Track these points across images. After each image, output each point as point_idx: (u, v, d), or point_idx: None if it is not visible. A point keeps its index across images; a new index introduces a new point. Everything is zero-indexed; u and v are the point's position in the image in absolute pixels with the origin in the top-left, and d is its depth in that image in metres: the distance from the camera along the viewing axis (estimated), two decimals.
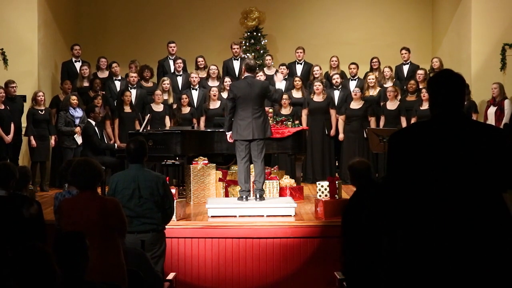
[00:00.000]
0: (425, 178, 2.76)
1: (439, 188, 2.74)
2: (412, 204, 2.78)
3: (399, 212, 2.82)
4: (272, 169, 8.61)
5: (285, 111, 9.74)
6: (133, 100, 9.89)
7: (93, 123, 8.81)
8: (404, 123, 9.68)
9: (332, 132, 9.92)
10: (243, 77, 7.65)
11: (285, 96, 9.80)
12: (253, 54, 11.67)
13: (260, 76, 9.47)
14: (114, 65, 10.36)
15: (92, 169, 4.09)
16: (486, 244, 2.70)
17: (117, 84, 10.32)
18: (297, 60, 10.84)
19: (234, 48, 10.78)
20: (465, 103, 10.14)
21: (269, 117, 7.92)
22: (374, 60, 10.68)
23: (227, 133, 7.43)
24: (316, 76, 10.33)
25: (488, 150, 2.75)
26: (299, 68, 10.79)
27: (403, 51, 10.72)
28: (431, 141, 2.79)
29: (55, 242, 3.23)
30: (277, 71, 9.15)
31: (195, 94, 10.21)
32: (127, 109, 9.75)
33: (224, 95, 9.89)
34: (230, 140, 7.42)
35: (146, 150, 5.16)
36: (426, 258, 2.73)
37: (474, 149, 2.75)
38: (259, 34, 12.00)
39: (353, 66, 10.45)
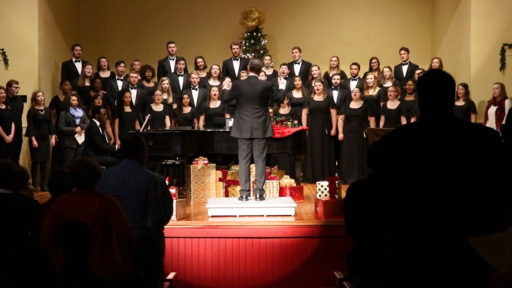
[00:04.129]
0: (414, 179, 2.75)
1: (427, 189, 2.72)
2: (401, 205, 2.77)
3: (390, 212, 2.82)
4: (272, 169, 8.63)
5: (284, 111, 9.76)
6: (134, 100, 9.91)
7: (98, 123, 8.84)
8: (404, 123, 9.69)
9: (333, 131, 9.94)
10: (247, 77, 7.68)
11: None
12: (253, 54, 11.68)
13: (261, 76, 9.48)
14: (121, 64, 10.35)
15: (90, 169, 4.11)
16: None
17: (119, 83, 10.35)
18: (294, 60, 10.86)
19: (234, 48, 10.80)
20: (463, 103, 10.01)
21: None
22: (374, 60, 10.70)
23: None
24: (314, 76, 10.35)
25: (477, 150, 2.72)
26: (297, 68, 10.81)
27: (402, 52, 10.74)
28: (420, 143, 2.76)
29: (59, 231, 3.28)
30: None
31: (195, 94, 10.23)
32: (127, 109, 9.77)
33: None
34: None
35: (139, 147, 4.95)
36: (414, 258, 2.73)
37: (463, 149, 2.73)
38: (259, 34, 12.01)
39: (354, 66, 10.47)
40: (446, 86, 2.85)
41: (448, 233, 2.70)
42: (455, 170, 2.72)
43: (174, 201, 6.42)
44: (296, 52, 10.79)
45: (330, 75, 10.55)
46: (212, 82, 10.36)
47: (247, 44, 11.91)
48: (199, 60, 10.67)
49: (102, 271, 3.66)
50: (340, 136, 9.95)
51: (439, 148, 2.74)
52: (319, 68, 10.48)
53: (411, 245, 2.74)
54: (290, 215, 7.18)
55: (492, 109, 9.44)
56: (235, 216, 7.15)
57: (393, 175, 2.80)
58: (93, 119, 8.88)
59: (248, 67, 7.56)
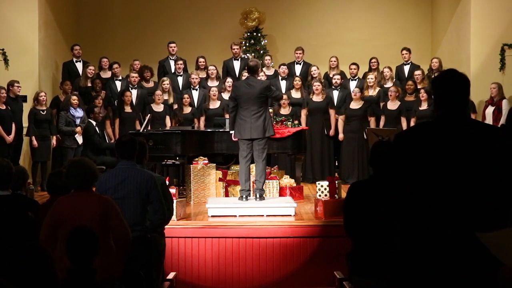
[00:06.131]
0: (428, 178, 2.78)
1: (442, 188, 2.75)
2: (414, 203, 2.79)
3: (401, 210, 2.84)
4: (272, 169, 8.64)
5: (284, 111, 9.76)
6: (134, 100, 9.92)
7: (94, 123, 8.86)
8: (404, 123, 9.70)
9: (332, 132, 9.94)
10: (245, 78, 7.69)
11: (284, 96, 9.82)
12: (253, 54, 11.69)
13: (261, 77, 9.49)
14: (115, 65, 10.38)
15: (86, 169, 4.10)
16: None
17: (118, 84, 10.35)
18: (296, 61, 10.86)
19: (234, 49, 10.80)
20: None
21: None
22: (373, 60, 10.70)
23: (231, 132, 7.46)
24: (314, 76, 10.35)
25: (491, 150, 2.76)
26: (298, 68, 10.81)
27: (404, 52, 10.74)
28: (435, 142, 2.80)
29: (68, 237, 3.29)
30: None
31: (195, 94, 10.24)
32: (128, 109, 9.78)
33: (224, 95, 9.93)
34: (234, 139, 7.45)
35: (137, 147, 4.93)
36: (423, 257, 2.75)
37: (477, 149, 2.76)
38: (259, 35, 12.02)
39: (353, 66, 10.46)
40: (460, 86, 2.89)
41: (459, 230, 2.72)
42: (467, 169, 2.75)
43: (174, 201, 6.43)
44: (299, 53, 10.78)
45: (331, 75, 10.55)
46: (210, 83, 10.37)
47: (247, 44, 11.92)
48: (201, 59, 10.67)
49: (100, 272, 3.67)
50: (341, 136, 9.95)
51: (452, 147, 2.78)
52: (318, 68, 10.47)
53: (421, 243, 2.76)
54: (290, 215, 7.18)
55: (490, 109, 9.45)
56: (235, 216, 7.16)
57: (406, 172, 2.83)
58: (89, 119, 8.91)
59: (246, 68, 7.58)
